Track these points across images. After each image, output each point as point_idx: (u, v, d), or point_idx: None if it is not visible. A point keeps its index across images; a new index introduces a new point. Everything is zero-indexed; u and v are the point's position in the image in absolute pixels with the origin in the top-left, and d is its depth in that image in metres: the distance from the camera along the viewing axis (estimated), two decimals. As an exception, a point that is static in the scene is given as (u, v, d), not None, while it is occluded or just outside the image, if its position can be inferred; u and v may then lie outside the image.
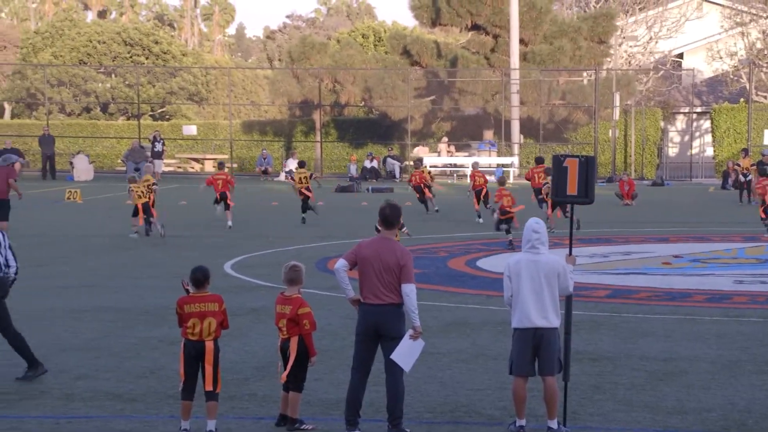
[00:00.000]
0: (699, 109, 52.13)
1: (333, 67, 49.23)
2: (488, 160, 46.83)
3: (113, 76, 61.78)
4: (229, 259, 18.65)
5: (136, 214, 22.18)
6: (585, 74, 50.85)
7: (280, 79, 51.29)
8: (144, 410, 9.00)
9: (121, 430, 8.44)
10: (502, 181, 22.19)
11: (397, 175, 45.51)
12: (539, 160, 27.43)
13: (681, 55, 56.10)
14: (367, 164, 46.08)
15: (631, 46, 55.01)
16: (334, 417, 8.70)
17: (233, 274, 17.09)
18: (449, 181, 43.49)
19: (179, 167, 50.72)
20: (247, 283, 16.11)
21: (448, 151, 47.99)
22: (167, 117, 61.88)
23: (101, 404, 9.19)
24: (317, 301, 12.76)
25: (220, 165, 26.47)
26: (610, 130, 47.67)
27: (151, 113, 60.94)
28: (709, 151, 50.33)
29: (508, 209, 20.65)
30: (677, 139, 53.06)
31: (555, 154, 9.20)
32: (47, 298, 14.69)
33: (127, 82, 60.14)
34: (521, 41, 46.54)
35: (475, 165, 28.88)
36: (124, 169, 43.98)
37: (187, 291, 8.29)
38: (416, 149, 49.03)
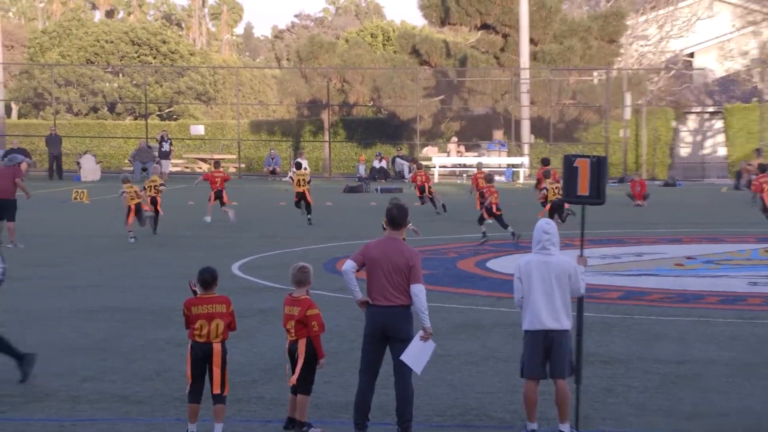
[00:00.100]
0: (711, 109, 51.99)
1: (341, 66, 49.23)
2: (498, 160, 46.78)
3: (121, 75, 61.89)
4: (237, 260, 18.63)
5: (127, 220, 22.03)
6: (595, 74, 50.76)
7: (288, 78, 51.31)
8: (150, 413, 8.97)
9: (127, 433, 8.42)
10: (489, 179, 21.99)
11: (406, 175, 45.46)
12: (545, 162, 27.37)
13: (692, 55, 55.96)
14: (376, 164, 46.06)
15: (642, 46, 54.88)
16: (342, 420, 8.66)
17: (241, 275, 17.07)
18: (458, 182, 43.43)
19: (187, 167, 50.75)
20: (255, 284, 16.08)
21: (458, 152, 47.94)
22: (175, 117, 61.95)
23: (107, 406, 9.16)
24: (325, 303, 12.72)
25: (216, 163, 26.66)
26: (621, 130, 47.57)
27: (158, 113, 61.03)
28: (722, 151, 50.19)
29: (494, 206, 20.72)
30: (689, 139, 52.91)
31: (566, 154, 9.15)
32: (53, 299, 14.69)
33: (134, 82, 60.24)
34: (531, 40, 46.46)
35: (479, 166, 28.79)
36: (132, 169, 44.04)
37: (195, 292, 8.26)
38: (425, 149, 49.00)
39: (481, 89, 47.39)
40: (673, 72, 53.45)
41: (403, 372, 8.19)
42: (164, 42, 62.93)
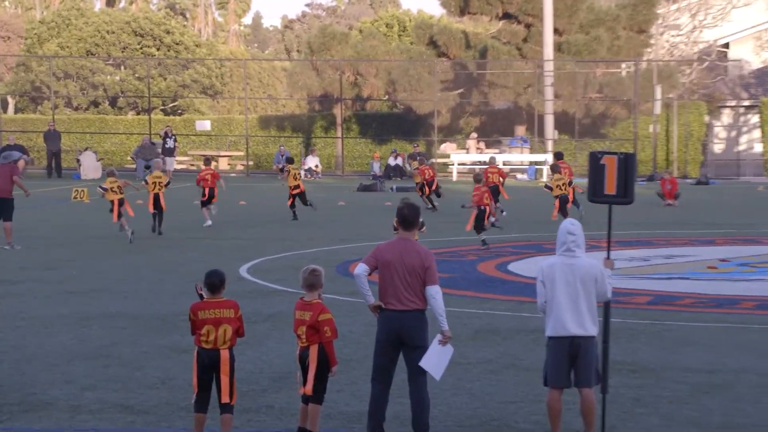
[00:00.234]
0: (747, 103, 51.80)
1: (355, 58, 49.28)
2: (520, 157, 46.77)
3: (122, 68, 62.11)
4: (245, 262, 18.71)
5: (113, 210, 22.22)
6: (624, 66, 50.66)
7: (298, 71, 51.39)
8: (155, 423, 9.03)
9: (130, 444, 8.48)
10: (478, 179, 22.00)
11: (423, 173, 45.42)
12: (559, 156, 27.48)
13: (727, 45, 55.78)
14: (391, 162, 46.10)
15: (673, 36, 54.73)
16: (355, 430, 8.70)
17: (249, 278, 17.14)
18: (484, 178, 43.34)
19: (192, 165, 50.89)
20: (264, 288, 16.15)
21: (477, 148, 47.93)
22: (179, 111, 62.15)
23: (110, 416, 9.23)
24: (338, 307, 12.77)
25: (207, 161, 26.90)
26: (651, 126, 47.48)
27: (162, 107, 61.21)
28: (758, 148, 50.01)
29: (486, 206, 20.71)
30: (723, 134, 52.74)
31: (592, 151, 9.17)
32: (52, 303, 14.78)
33: (137, 75, 60.44)
34: (555, 31, 46.41)
35: (491, 160, 28.87)
36: (134, 166, 44.20)
37: (201, 296, 8.31)
38: (443, 146, 49.02)
39: (502, 82, 47.37)
40: (706, 64, 53.29)
41: (418, 380, 8.23)
42: (168, 32, 63.12)
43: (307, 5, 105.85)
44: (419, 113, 48.78)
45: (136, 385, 10.26)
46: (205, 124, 51.59)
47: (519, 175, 45.74)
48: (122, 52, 61.66)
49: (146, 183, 23.69)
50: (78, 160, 44.61)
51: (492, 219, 21.67)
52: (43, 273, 17.75)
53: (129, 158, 48.52)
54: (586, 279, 8.20)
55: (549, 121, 46.56)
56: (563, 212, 23.56)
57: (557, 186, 23.42)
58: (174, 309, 13.95)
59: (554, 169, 24.68)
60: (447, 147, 48.94)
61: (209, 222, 24.71)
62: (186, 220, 25.73)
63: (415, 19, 63.18)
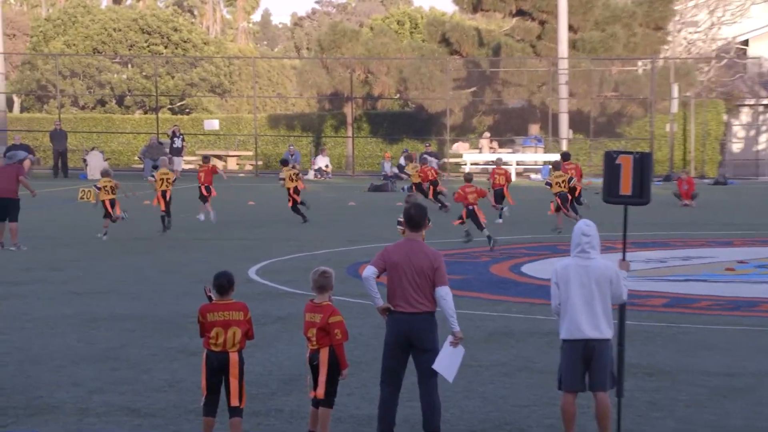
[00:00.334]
0: (766, 101, 51.67)
1: (366, 56, 49.31)
2: (534, 157, 46.74)
3: (129, 66, 62.26)
4: (254, 264, 18.74)
5: (107, 215, 22.51)
6: (640, 63, 50.58)
7: (308, 69, 51.45)
8: (163, 426, 9.06)
9: (138, 447, 8.52)
10: (468, 178, 22.06)
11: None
12: (566, 156, 27.62)
13: (746, 42, 55.63)
14: (403, 161, 46.05)
15: (690, 33, 54.63)
16: (367, 435, 8.72)
17: (258, 279, 17.17)
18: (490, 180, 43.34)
19: (200, 165, 50.92)
20: (274, 290, 16.18)
21: (491, 148, 47.91)
22: (187, 110, 62.27)
23: (117, 419, 9.26)
24: (348, 309, 12.78)
25: (205, 159, 27.31)
26: (668, 125, 47.38)
27: (170, 106, 61.34)
28: (777, 147, 49.90)
29: (473, 206, 20.79)
30: (742, 133, 52.61)
31: (607, 150, 9.16)
32: (59, 305, 14.83)
33: (144, 73, 60.58)
34: (570, 28, 46.37)
35: (498, 161, 29.05)
36: (142, 166, 44.29)
37: (210, 298, 8.34)
38: (455, 145, 49.01)
39: (516, 80, 47.34)
40: (724, 61, 53.16)
41: (428, 382, 8.25)
42: (176, 30, 63.25)
43: (317, 2, 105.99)
44: (431, 112, 48.77)
45: (144, 387, 10.29)
46: (213, 124, 51.67)
47: (533, 175, 45.72)
48: (129, 50, 61.80)
49: (153, 179, 23.87)
50: (84, 160, 44.74)
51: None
52: (49, 274, 17.81)
53: (136, 158, 48.63)
54: (601, 281, 8.21)
55: (563, 120, 46.50)
56: (560, 209, 23.65)
57: (556, 183, 23.57)
58: (182, 310, 13.99)
59: (556, 166, 24.89)
60: (459, 146, 48.92)
61: (201, 217, 25.28)
62: (193, 221, 25.78)
63: (427, 16, 63.20)
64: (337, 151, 51.14)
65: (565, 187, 23.64)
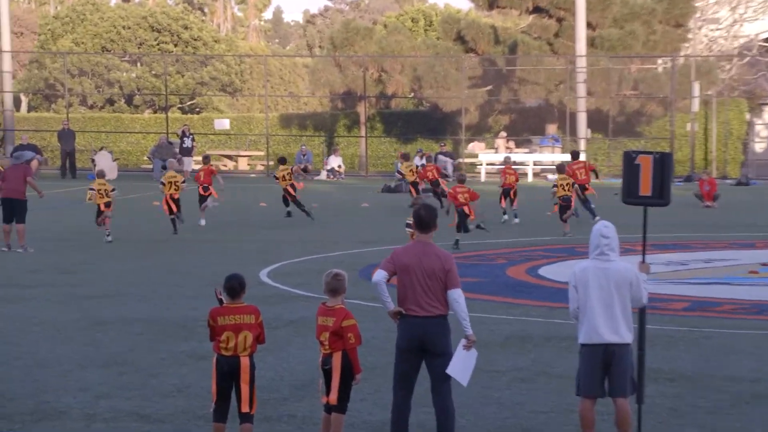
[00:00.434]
0: (790, 100, 51.47)
1: (379, 54, 49.31)
2: (551, 157, 46.64)
3: (139, 64, 62.41)
4: (266, 266, 18.75)
5: (98, 217, 22.67)
6: (660, 61, 50.45)
7: (321, 68, 51.47)
8: (172, 432, 9.06)
9: (147, 454, 8.51)
10: (461, 179, 22.28)
11: (450, 173, 45.44)
12: (575, 155, 27.69)
13: (769, 40, 55.44)
14: (417, 162, 46.04)
15: (712, 30, 54.45)
16: (380, 441, 8.70)
17: (270, 282, 17.18)
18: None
19: (211, 165, 50.97)
20: (285, 293, 16.18)
21: (507, 147, 47.84)
22: (197, 110, 62.39)
23: (125, 425, 9.26)
24: (361, 313, 12.76)
25: (205, 158, 27.54)
26: (689, 124, 47.24)
27: (179, 106, 61.47)
28: (801, 147, 49.72)
29: (465, 208, 20.90)
30: (765, 132, 52.41)
31: (626, 150, 9.13)
32: (67, 308, 14.86)
33: (153, 72, 60.72)
34: (588, 25, 46.28)
35: (506, 160, 29.10)
36: (151, 167, 44.38)
37: (221, 301, 8.33)
38: (471, 145, 48.97)
39: (532, 79, 47.27)
40: (747, 59, 52.98)
41: (442, 387, 8.23)
42: (186, 28, 63.37)
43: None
44: (446, 111, 48.74)
45: (152, 393, 10.29)
46: (224, 123, 51.74)
47: (550, 176, 45.59)
48: (139, 48, 61.94)
49: (163, 185, 23.95)
50: (93, 160, 44.82)
51: (476, 221, 21.94)
52: (57, 276, 17.85)
53: (145, 158, 48.72)
54: (621, 284, 8.17)
55: (581, 120, 46.40)
56: (563, 211, 23.67)
57: (561, 186, 23.63)
58: (192, 314, 13.99)
59: (560, 169, 25.01)
60: (475, 146, 48.86)
61: (202, 222, 25.26)
62: (205, 223, 25.79)
63: (442, 14, 63.17)
64: (350, 151, 51.14)
65: (568, 190, 23.70)
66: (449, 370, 8.14)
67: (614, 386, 8.18)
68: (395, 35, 51.25)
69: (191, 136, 45.03)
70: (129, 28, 62.51)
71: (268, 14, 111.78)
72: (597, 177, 29.74)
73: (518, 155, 46.37)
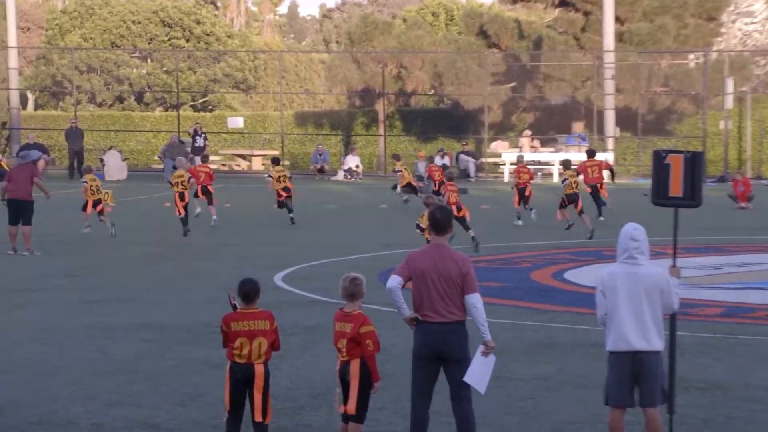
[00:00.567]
0: (827, 96, 51.22)
1: (398, 50, 49.35)
2: (578, 156, 46.48)
3: (149, 61, 62.63)
4: (280, 270, 18.78)
5: (85, 208, 23.37)
6: (692, 57, 50.28)
7: (337, 64, 51.54)
8: (184, 442, 9.09)
9: (158, 465, 8.54)
10: (449, 176, 22.55)
11: (472, 174, 45.45)
12: (591, 153, 27.88)
13: (805, 34, 55.23)
14: (438, 161, 46.03)
15: (746, 24, 54.30)
16: (400, 452, 8.70)
17: (285, 287, 17.21)
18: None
19: (224, 165, 51.18)
20: (301, 298, 16.20)
21: (531, 146, 47.79)
22: (210, 108, 62.56)
23: (136, 435, 9.30)
24: (380, 319, 12.76)
25: (204, 158, 27.77)
26: (722, 122, 47.09)
27: (191, 103, 61.67)
28: (840, 146, 49.47)
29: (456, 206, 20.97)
30: (801, 131, 52.18)
31: (656, 149, 9.11)
32: (76, 314, 14.92)
33: (165, 68, 60.92)
34: (617, 19, 46.18)
35: (519, 159, 29.18)
36: (162, 167, 44.52)
37: (234, 307, 8.35)
38: (494, 144, 48.93)
39: (558, 75, 47.21)
40: (782, 54, 52.77)
41: (462, 396, 8.23)
42: (198, 23, 63.58)
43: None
44: (468, 109, 48.72)
45: (164, 401, 10.32)
46: (237, 121, 51.86)
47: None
48: (149, 43, 62.16)
49: (170, 185, 24.21)
50: (102, 160, 45.03)
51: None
52: (64, 281, 17.92)
53: (156, 158, 48.88)
54: (651, 289, 8.15)
55: (609, 118, 46.31)
56: (567, 206, 23.96)
57: (570, 184, 23.88)
58: (204, 320, 14.03)
59: (566, 165, 25.35)
60: (498, 145, 48.82)
61: (215, 217, 25.50)
62: (218, 225, 25.86)
63: (464, 7, 63.16)
64: (368, 151, 51.17)
65: (576, 188, 24.01)
66: (467, 378, 8.14)
67: (644, 396, 8.16)
68: (415, 30, 51.27)
69: (203, 135, 45.16)
70: (139, 22, 62.74)
71: (283, 8, 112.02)
72: (612, 179, 29.90)
73: (543, 155, 46.32)
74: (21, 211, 20.89)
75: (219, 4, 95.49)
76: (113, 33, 62.55)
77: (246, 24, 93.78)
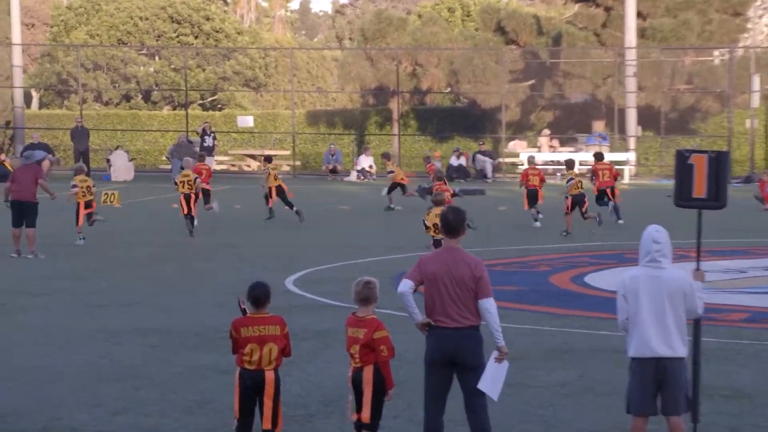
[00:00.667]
0: None
1: (413, 46, 49.34)
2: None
3: (157, 58, 62.77)
4: (291, 273, 18.79)
5: (77, 221, 22.95)
6: (717, 53, 50.18)
7: (351, 61, 51.58)
8: (192, 450, 9.10)
9: (165, 474, 8.55)
10: (439, 176, 22.72)
11: (489, 174, 45.43)
12: (599, 156, 28.02)
13: (834, 29, 55.04)
14: (454, 161, 46.07)
15: (773, 19, 54.12)
16: (414, 461, 8.69)
17: (296, 290, 17.22)
18: (551, 182, 43.19)
19: (233, 165, 51.27)
20: (313, 302, 16.21)
21: (551, 146, 47.75)
22: (219, 106, 62.65)
23: (142, 443, 9.31)
24: (393, 324, 12.75)
25: (202, 157, 28.02)
26: (748, 120, 46.95)
27: (200, 102, 61.76)
28: None
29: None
30: (830, 130, 51.99)
31: (679, 149, 9.09)
32: (81, 318, 14.95)
33: (173, 66, 61.05)
34: (639, 14, 46.12)
35: (530, 160, 29.14)
36: (170, 167, 44.59)
37: (244, 311, 8.35)
38: (512, 143, 48.88)
39: (578, 73, 47.14)
40: (810, 50, 52.61)
41: (477, 404, 8.22)
42: (207, 19, 63.68)
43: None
44: (485, 107, 48.69)
45: (171, 409, 10.34)
46: (247, 120, 51.91)
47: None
48: (157, 40, 62.28)
49: (175, 184, 24.30)
50: (108, 160, 45.14)
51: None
52: (69, 284, 17.96)
53: (164, 158, 48.98)
54: (674, 293, 8.13)
55: (631, 116, 46.24)
56: (574, 209, 24.16)
57: (576, 184, 24.09)
58: (213, 325, 14.04)
59: (569, 165, 25.49)
60: (516, 145, 48.78)
61: (216, 208, 26.15)
62: (223, 226, 25.91)
63: (481, 3, 63.10)
64: (382, 150, 51.10)
65: (581, 188, 24.20)
66: (480, 385, 8.13)
67: (667, 403, 8.14)
68: (430, 26, 51.26)
69: (212, 135, 45.22)
70: (147, 19, 62.88)
71: (294, 4, 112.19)
72: (614, 196, 29.93)
73: (563, 154, 46.22)
74: (25, 213, 20.93)
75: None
76: (120, 29, 62.70)
77: (256, 20, 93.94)
